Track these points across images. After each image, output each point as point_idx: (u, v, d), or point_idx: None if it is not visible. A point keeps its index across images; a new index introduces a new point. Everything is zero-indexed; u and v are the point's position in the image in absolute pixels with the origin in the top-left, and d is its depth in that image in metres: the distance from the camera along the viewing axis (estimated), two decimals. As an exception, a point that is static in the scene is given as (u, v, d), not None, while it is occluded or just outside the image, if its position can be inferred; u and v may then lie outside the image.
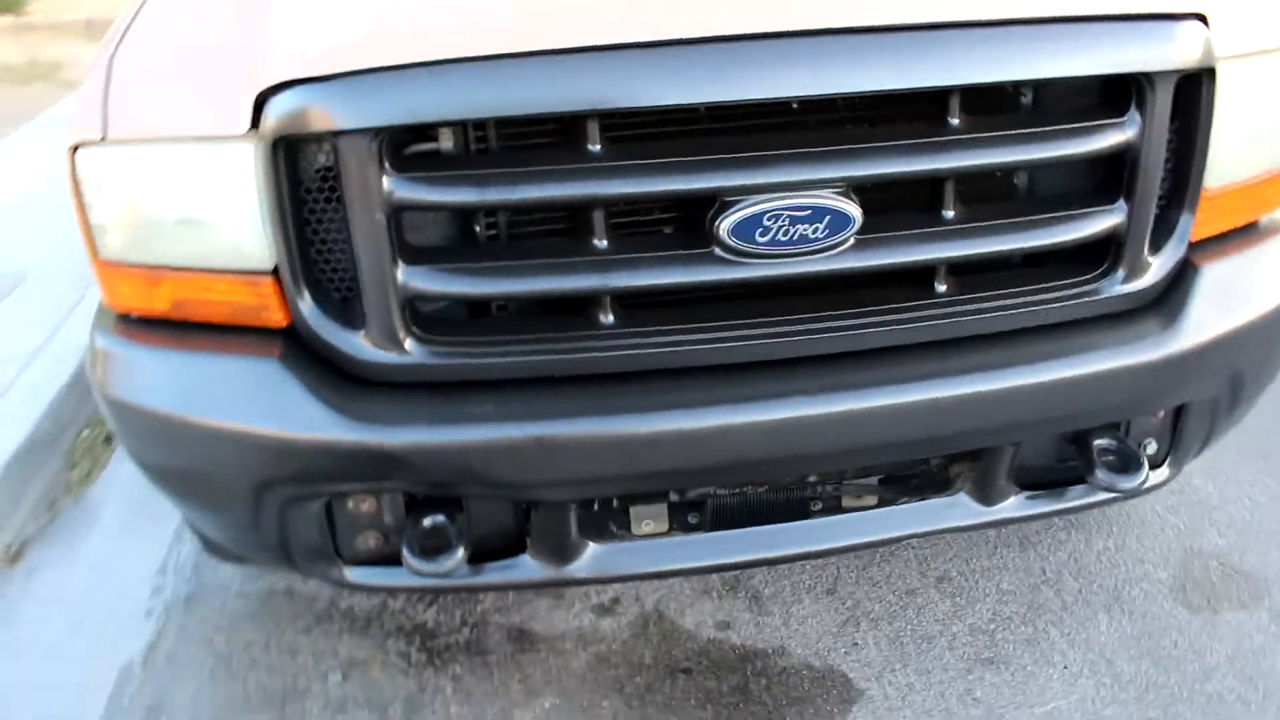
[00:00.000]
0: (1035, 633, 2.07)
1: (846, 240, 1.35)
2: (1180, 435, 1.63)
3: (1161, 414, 1.62)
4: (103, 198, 1.44)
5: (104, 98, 1.44)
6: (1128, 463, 1.55)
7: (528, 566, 1.51)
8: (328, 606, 2.21)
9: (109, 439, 2.92)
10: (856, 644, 2.05)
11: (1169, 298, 1.53)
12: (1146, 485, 1.63)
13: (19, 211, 4.43)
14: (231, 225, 1.41)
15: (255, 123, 1.34)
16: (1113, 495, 1.62)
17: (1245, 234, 1.66)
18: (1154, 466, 1.65)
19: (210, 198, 1.41)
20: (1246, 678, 1.94)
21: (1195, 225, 1.55)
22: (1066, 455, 1.61)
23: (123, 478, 2.76)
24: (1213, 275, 1.55)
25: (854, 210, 1.33)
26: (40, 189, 4.57)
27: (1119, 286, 1.49)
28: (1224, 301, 1.54)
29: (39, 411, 2.83)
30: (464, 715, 1.93)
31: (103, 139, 1.42)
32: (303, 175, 1.38)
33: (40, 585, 2.38)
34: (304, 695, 2.00)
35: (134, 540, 2.50)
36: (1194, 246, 1.58)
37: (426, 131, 1.37)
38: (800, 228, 1.32)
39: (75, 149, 1.44)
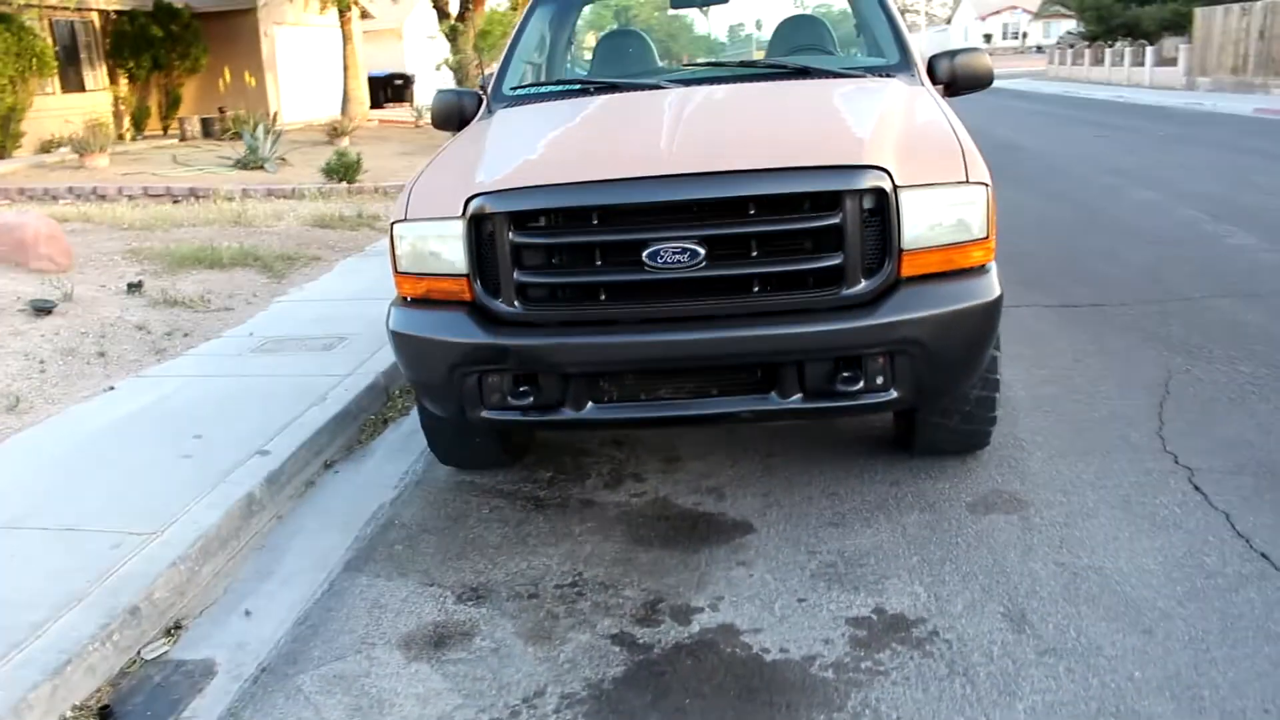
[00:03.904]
0: (870, 516, 3.54)
1: (700, 263, 3.07)
2: (895, 373, 3.16)
3: (881, 360, 3.17)
4: (401, 243, 3.40)
5: (407, 202, 3.42)
6: (855, 383, 3.14)
7: (563, 411, 3.27)
8: (489, 487, 4.02)
9: (385, 421, 4.92)
10: (765, 515, 3.60)
11: (877, 300, 3.12)
12: (880, 400, 3.19)
13: (348, 303, 6.80)
14: (451, 256, 3.31)
15: (464, 212, 3.26)
16: (853, 403, 3.18)
17: (957, 275, 3.22)
18: (884, 390, 3.20)
19: (444, 243, 3.32)
20: (980, 538, 3.32)
21: (902, 267, 3.14)
22: (831, 379, 3.19)
23: (389, 441, 4.73)
24: (906, 292, 3.13)
25: (701, 250, 3.05)
26: (362, 290, 6.95)
27: (844, 293, 3.10)
28: (907, 305, 3.11)
29: (348, 400, 4.87)
30: (550, 527, 3.64)
31: (405, 219, 3.40)
32: (480, 234, 3.27)
33: (340, 478, 4.32)
34: (468, 517, 3.78)
35: (392, 464, 4.42)
36: (910, 278, 3.16)
37: (531, 215, 3.23)
38: (677, 256, 3.06)
39: (393, 223, 3.42)
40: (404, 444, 4.61)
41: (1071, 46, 44.79)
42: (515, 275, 3.22)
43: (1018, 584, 3.01)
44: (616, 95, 4.19)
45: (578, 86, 4.49)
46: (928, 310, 3.14)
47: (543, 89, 4.59)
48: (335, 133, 18.99)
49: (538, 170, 3.35)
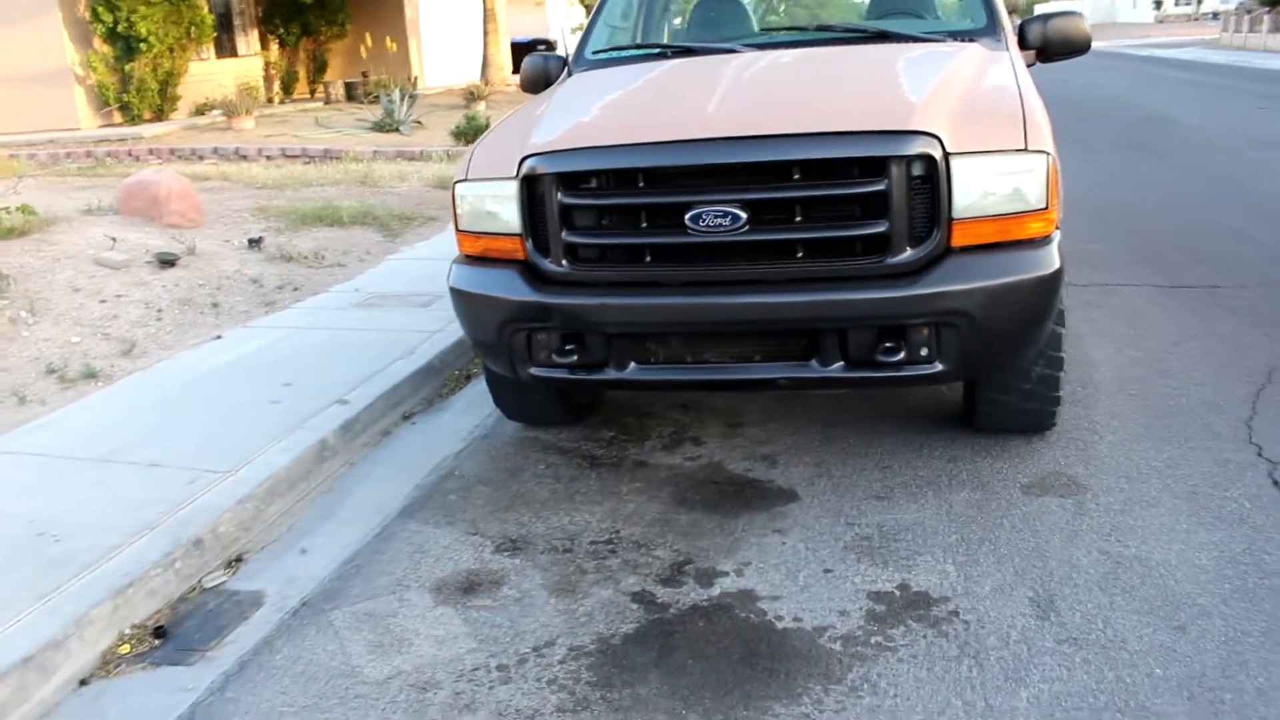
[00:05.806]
0: (919, 491, 3.47)
1: (742, 227, 3.05)
2: (941, 345, 3.08)
3: (925, 331, 3.08)
4: (462, 202, 3.50)
5: (469, 163, 3.51)
6: (896, 353, 3.07)
7: (607, 371, 3.32)
8: (550, 444, 4.12)
9: (468, 377, 5.08)
10: (813, 484, 3.58)
11: (923, 270, 3.05)
12: (923, 373, 3.12)
13: (431, 269, 6.99)
14: (507, 215, 3.39)
15: (518, 173, 3.32)
16: (895, 374, 3.11)
17: (1012, 246, 3.10)
18: (929, 362, 3.12)
19: (500, 203, 3.40)
20: (1026, 521, 3.22)
21: (952, 236, 3.05)
22: (873, 348, 3.13)
23: (466, 396, 4.88)
24: (954, 262, 3.04)
25: (743, 214, 3.03)
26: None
27: (890, 260, 3.04)
28: (954, 276, 3.02)
29: (433, 355, 5.05)
30: (599, 485, 3.71)
31: (466, 179, 3.49)
32: (533, 194, 3.33)
33: (416, 428, 4.49)
34: (523, 472, 3.88)
35: (466, 418, 4.56)
36: (961, 249, 3.06)
37: (579, 175, 3.27)
38: (718, 220, 3.05)
39: (455, 183, 3.52)
40: (484, 399, 4.70)
41: (1249, 13, 41.67)
42: (564, 235, 3.27)
43: (1054, 570, 2.91)
44: (688, 59, 4.18)
45: (656, 50, 4.49)
46: (976, 282, 3.04)
47: (623, 53, 4.61)
48: (472, 97, 19.42)
49: (588, 132, 3.39)
